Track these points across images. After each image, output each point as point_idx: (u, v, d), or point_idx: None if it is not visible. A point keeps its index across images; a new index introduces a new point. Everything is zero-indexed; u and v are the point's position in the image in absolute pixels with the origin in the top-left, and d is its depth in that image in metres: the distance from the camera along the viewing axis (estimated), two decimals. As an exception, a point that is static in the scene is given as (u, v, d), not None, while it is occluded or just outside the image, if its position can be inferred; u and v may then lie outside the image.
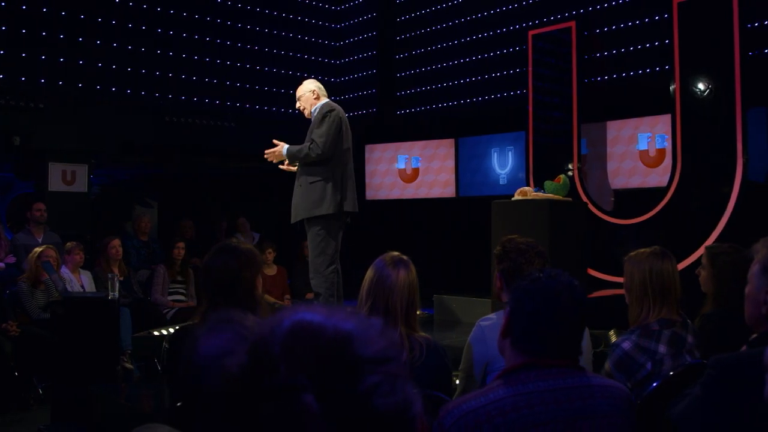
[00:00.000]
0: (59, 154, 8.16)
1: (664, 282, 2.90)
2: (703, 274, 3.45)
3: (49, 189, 8.05)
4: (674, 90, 6.65)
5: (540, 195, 4.81)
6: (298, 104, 5.22)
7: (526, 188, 4.93)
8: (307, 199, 4.84)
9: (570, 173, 7.34)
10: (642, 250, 3.01)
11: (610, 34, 7.96)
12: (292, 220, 5.04)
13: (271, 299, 7.67)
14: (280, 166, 5.26)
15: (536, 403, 1.71)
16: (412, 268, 2.61)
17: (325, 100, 5.16)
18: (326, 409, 0.69)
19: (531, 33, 8.11)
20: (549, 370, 1.76)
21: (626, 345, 2.84)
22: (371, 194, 9.88)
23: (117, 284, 5.14)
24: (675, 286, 2.92)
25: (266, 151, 5.09)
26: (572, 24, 7.78)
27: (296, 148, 4.95)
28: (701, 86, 6.50)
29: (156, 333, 5.61)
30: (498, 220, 4.84)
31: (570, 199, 5.19)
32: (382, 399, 0.69)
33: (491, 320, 2.77)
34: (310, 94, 5.13)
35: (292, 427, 0.69)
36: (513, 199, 4.93)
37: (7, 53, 7.80)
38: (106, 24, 8.52)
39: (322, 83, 5.40)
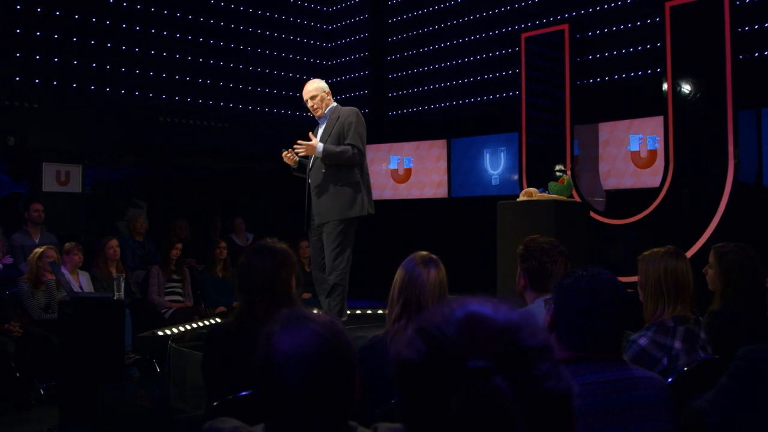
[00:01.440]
0: (53, 154, 8.14)
1: (678, 280, 2.98)
2: (710, 272, 3.55)
3: (43, 189, 8.01)
4: (666, 92, 6.78)
5: (545, 196, 4.90)
6: (311, 103, 5.10)
7: (531, 189, 5.02)
8: (338, 201, 4.88)
9: (558, 174, 7.43)
10: (656, 249, 3.08)
11: (602, 37, 8.08)
12: (319, 221, 4.98)
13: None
14: (285, 157, 5.10)
15: (587, 394, 1.79)
16: (442, 266, 2.67)
17: (334, 101, 5.22)
18: (514, 391, 0.75)
19: (524, 35, 8.22)
20: (596, 363, 1.84)
21: (643, 341, 2.92)
22: (363, 194, 9.92)
23: (122, 285, 5.16)
24: (688, 285, 3.00)
25: (300, 142, 4.93)
26: (565, 27, 7.90)
27: (335, 147, 4.91)
28: (693, 88, 6.63)
29: (160, 333, 5.63)
30: (503, 220, 4.93)
31: (573, 199, 5.30)
32: (553, 382, 0.76)
33: (516, 317, 2.85)
34: (325, 95, 5.11)
35: (489, 407, 0.74)
36: (518, 199, 5.02)
37: (0, 53, 7.76)
38: (100, 24, 8.50)
39: None
